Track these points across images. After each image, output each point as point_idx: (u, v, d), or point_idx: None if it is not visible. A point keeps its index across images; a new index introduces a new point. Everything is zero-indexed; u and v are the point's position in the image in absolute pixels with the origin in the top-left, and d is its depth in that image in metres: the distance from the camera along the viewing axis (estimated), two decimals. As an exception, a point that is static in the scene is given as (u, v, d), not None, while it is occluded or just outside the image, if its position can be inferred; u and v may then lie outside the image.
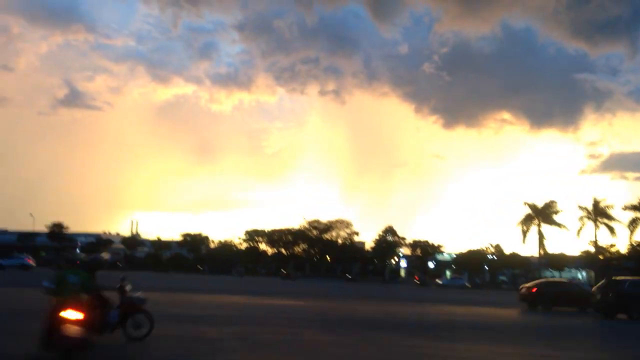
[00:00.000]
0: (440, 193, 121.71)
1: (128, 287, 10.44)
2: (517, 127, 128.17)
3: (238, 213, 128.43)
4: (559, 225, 67.30)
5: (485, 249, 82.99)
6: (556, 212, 67.79)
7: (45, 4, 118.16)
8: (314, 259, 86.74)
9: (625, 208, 67.07)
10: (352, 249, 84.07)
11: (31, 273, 44.85)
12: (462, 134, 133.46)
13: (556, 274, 78.87)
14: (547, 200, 68.40)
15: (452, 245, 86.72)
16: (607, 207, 67.65)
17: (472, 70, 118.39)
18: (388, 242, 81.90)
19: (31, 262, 54.98)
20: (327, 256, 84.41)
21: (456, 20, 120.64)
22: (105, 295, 9.95)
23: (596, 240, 69.28)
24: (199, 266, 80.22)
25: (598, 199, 68.26)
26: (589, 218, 68.13)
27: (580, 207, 68.31)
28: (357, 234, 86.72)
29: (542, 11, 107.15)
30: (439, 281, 67.65)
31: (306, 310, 21.34)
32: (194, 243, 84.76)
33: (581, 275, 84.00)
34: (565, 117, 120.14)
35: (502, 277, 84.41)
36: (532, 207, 68.56)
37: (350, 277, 74.26)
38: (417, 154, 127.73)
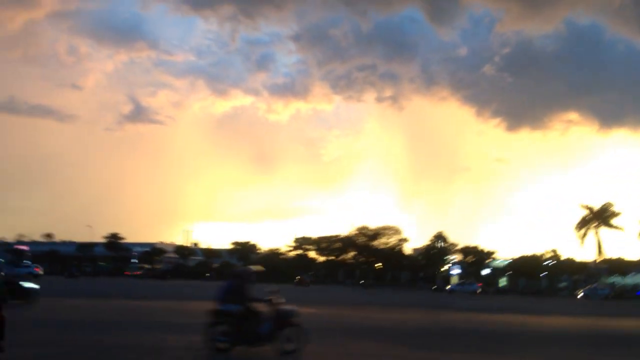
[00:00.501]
0: (501, 198, 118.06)
1: (278, 300, 10.33)
2: (585, 128, 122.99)
3: (294, 221, 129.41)
4: (617, 227, 63.96)
5: (542, 254, 79.73)
6: (614, 215, 64.47)
7: (111, 24, 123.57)
8: (363, 266, 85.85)
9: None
10: (401, 256, 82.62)
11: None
12: (526, 136, 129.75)
13: (618, 279, 74.66)
14: (604, 202, 65.23)
15: (510, 251, 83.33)
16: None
17: (535, 71, 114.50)
18: (438, 249, 79.99)
19: (39, 270, 57.37)
20: (376, 263, 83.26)
21: (518, 19, 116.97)
22: (256, 307, 10.03)
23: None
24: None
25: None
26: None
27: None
28: (406, 240, 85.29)
29: (608, 7, 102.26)
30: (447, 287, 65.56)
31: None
32: (243, 251, 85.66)
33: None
34: (636, 117, 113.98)
35: (563, 283, 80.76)
36: (589, 209, 65.47)
37: (363, 283, 72.93)
38: (478, 159, 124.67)
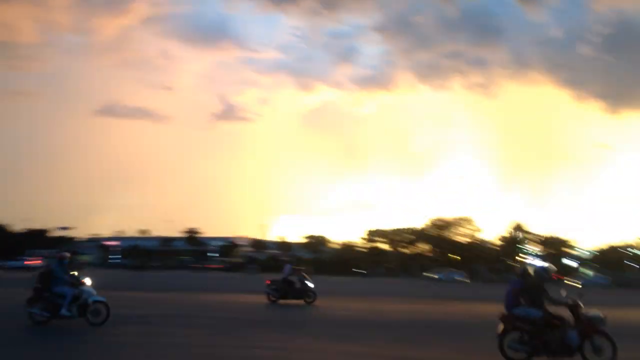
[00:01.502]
0: (601, 185, 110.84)
1: (583, 304, 9.24)
2: None
3: (374, 214, 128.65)
4: None
5: (630, 243, 74.33)
6: None
7: (198, 25, 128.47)
8: (437, 258, 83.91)
9: None
10: (477, 247, 79.90)
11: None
12: (630, 118, 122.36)
13: None
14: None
15: (596, 241, 77.95)
16: None
17: (638, 49, 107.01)
18: (515, 239, 76.66)
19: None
20: (449, 255, 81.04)
21: None
22: (560, 312, 9.15)
23: None
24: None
25: None
26: None
27: None
28: (480, 231, 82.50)
29: None
30: (434, 275, 62.94)
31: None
32: (316, 244, 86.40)
33: None
34: None
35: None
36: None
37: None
38: (578, 145, 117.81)
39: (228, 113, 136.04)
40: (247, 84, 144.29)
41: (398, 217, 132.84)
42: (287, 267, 21.97)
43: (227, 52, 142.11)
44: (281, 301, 21.02)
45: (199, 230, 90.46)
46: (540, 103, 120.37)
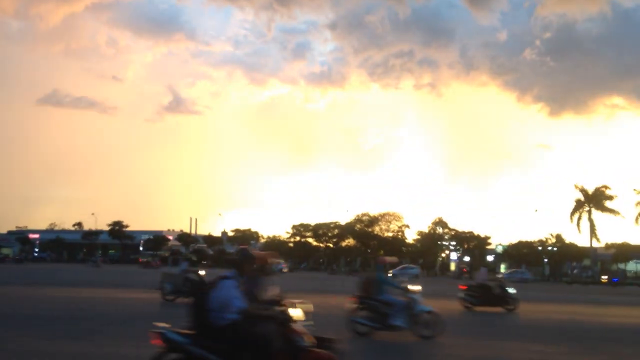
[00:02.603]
0: (537, 184, 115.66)
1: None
2: (631, 112, 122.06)
3: (315, 208, 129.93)
4: (611, 211, 61.39)
5: (544, 239, 77.37)
6: (609, 198, 61.87)
7: (149, 15, 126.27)
8: (364, 253, 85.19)
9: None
10: (399, 242, 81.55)
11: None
12: (569, 121, 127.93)
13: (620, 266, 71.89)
14: (599, 185, 62.72)
15: (513, 237, 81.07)
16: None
17: (578, 54, 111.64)
18: (434, 235, 78.66)
19: None
20: (375, 250, 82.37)
21: (560, 1, 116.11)
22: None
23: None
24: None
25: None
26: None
27: (637, 191, 62.08)
28: (407, 227, 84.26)
29: None
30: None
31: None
32: (243, 238, 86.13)
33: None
34: None
35: (574, 271, 78.28)
36: (583, 192, 63.08)
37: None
38: (520, 145, 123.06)
39: (177, 105, 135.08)
40: (197, 76, 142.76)
41: (333, 212, 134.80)
42: (483, 271, 20.53)
43: (177, 44, 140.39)
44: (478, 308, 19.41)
45: (125, 224, 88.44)
46: (486, 104, 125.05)
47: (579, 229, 63.97)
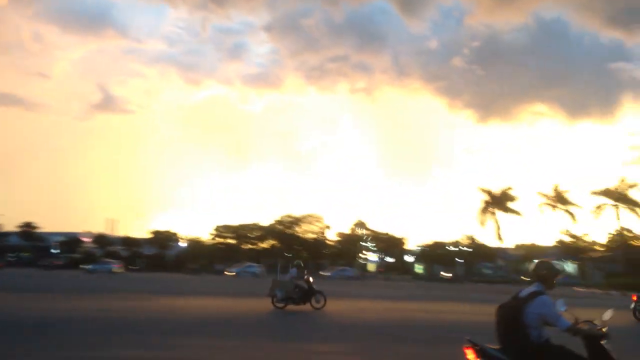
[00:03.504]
0: (462, 187, 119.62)
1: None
2: (553, 120, 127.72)
3: (242, 210, 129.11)
4: (514, 212, 64.27)
5: (459, 240, 79.96)
6: (512, 199, 64.75)
7: (78, 10, 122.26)
8: (286, 255, 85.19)
9: (593, 193, 63.84)
10: (321, 244, 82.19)
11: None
12: (496, 127, 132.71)
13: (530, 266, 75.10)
14: (504, 187, 65.50)
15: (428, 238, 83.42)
16: (564, 192, 64.41)
17: (505, 63, 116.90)
18: (353, 237, 79.81)
19: None
20: (292, 252, 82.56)
21: (487, 12, 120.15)
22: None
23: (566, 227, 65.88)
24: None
25: (558, 185, 65.07)
26: (550, 205, 64.97)
27: (541, 194, 65.24)
28: (328, 228, 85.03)
29: (575, 1, 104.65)
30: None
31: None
32: (162, 240, 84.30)
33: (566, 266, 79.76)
34: (602, 108, 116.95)
35: (487, 270, 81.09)
36: (488, 193, 65.65)
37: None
38: (450, 149, 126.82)
39: (108, 104, 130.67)
40: (130, 74, 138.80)
41: (263, 214, 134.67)
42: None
43: (108, 41, 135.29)
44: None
45: (36, 225, 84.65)
46: (418, 109, 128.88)
47: (485, 229, 66.47)
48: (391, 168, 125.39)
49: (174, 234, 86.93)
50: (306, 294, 18.54)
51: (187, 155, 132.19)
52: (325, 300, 18.68)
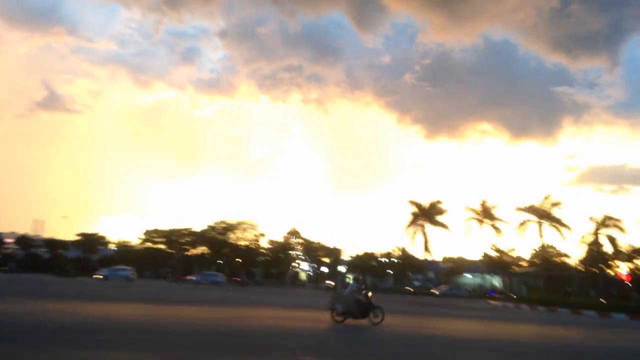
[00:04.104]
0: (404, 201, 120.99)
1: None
2: (497, 138, 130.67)
3: (177, 215, 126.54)
4: (442, 226, 65.09)
5: (391, 252, 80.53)
6: (440, 213, 65.62)
7: (25, 5, 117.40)
8: (218, 261, 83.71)
9: (518, 209, 65.20)
10: (253, 252, 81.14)
11: None
12: (443, 144, 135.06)
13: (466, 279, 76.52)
14: (433, 200, 66.33)
15: (360, 249, 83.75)
16: (492, 207, 65.70)
17: (453, 82, 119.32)
18: (285, 245, 79.21)
19: None
20: (228, 258, 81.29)
21: (439, 31, 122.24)
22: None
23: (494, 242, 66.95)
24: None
25: (486, 200, 66.31)
26: (477, 220, 66.10)
27: (469, 208, 66.29)
28: (262, 235, 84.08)
29: (524, 25, 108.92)
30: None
31: None
32: (89, 243, 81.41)
33: (493, 280, 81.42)
34: (544, 129, 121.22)
35: (416, 282, 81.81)
36: (417, 206, 66.30)
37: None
38: (397, 163, 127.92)
39: (53, 102, 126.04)
40: (77, 73, 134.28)
41: (198, 220, 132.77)
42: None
43: (56, 38, 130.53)
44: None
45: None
46: (369, 123, 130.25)
47: (413, 241, 67.01)
48: (338, 179, 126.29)
49: (102, 238, 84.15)
50: (366, 308, 18.53)
51: (130, 159, 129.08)
52: (383, 316, 18.65)
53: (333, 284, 66.79)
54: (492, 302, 54.57)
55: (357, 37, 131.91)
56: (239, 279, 68.31)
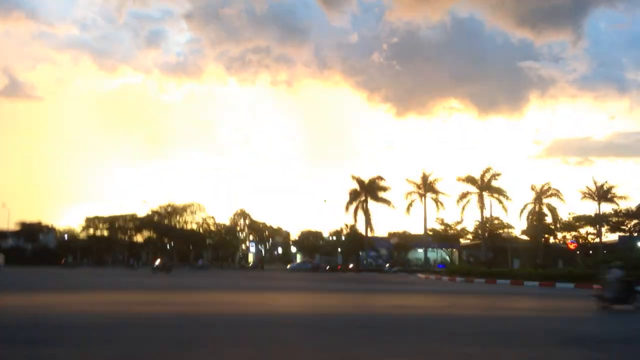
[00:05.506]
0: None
1: None
2: (466, 114, 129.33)
3: (123, 201, 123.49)
4: (384, 201, 64.31)
5: (339, 229, 79.63)
6: (383, 189, 64.76)
7: None
8: (167, 246, 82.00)
9: (459, 179, 64.55)
10: (200, 236, 79.50)
11: None
12: (413, 122, 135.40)
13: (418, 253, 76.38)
14: (374, 175, 65.35)
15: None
16: (435, 180, 65.03)
17: (421, 59, 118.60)
18: (231, 228, 77.88)
19: None
20: (172, 242, 79.62)
21: (406, 9, 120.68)
22: None
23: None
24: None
25: (426, 172, 65.59)
26: (418, 193, 65.42)
27: (409, 181, 65.55)
28: (212, 218, 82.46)
29: (489, 1, 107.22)
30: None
31: None
32: (30, 232, 78.86)
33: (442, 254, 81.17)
34: (511, 104, 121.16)
35: (369, 259, 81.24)
36: (359, 182, 65.32)
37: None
38: (368, 142, 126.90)
39: (14, 90, 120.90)
40: (38, 59, 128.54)
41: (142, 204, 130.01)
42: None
43: (15, 23, 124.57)
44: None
45: None
46: (339, 102, 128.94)
47: (355, 219, 66.11)
48: (308, 159, 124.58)
49: (45, 226, 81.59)
50: (631, 293, 18.70)
51: (93, 145, 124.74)
52: None
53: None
54: (421, 275, 53.92)
55: (324, 16, 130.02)
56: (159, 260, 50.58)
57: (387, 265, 71.55)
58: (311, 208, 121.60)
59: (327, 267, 68.12)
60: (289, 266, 68.25)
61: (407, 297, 23.55)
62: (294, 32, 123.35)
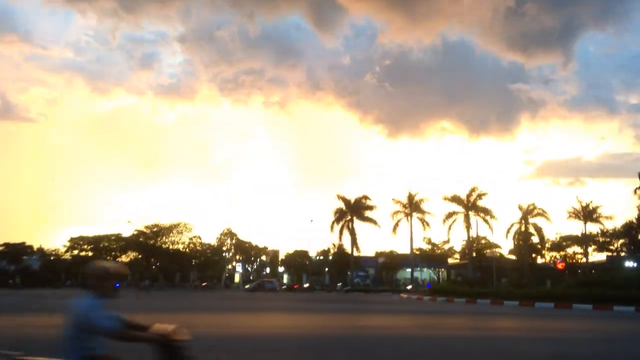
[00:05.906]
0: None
1: None
2: (457, 136, 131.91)
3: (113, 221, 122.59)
4: (371, 221, 64.02)
5: (327, 249, 79.15)
6: (369, 208, 64.49)
7: None
8: (152, 267, 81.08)
9: (445, 199, 64.38)
10: (187, 255, 78.69)
11: None
12: (405, 143, 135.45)
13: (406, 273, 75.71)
14: (359, 195, 65.12)
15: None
16: (421, 200, 64.83)
17: (413, 81, 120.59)
18: (220, 247, 77.17)
19: None
20: (157, 263, 78.71)
21: (398, 32, 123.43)
22: None
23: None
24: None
25: (412, 192, 65.41)
26: (404, 213, 65.15)
27: (395, 201, 65.32)
28: (199, 238, 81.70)
29: (480, 25, 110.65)
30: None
31: None
32: (14, 253, 77.82)
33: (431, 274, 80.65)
34: (501, 126, 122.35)
35: (357, 279, 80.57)
36: (345, 201, 65.02)
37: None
38: (360, 163, 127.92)
39: (6, 112, 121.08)
40: (31, 82, 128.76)
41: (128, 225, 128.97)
42: None
43: (9, 46, 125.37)
44: None
45: None
46: (331, 123, 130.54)
47: (341, 238, 65.73)
48: (301, 180, 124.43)
49: (29, 247, 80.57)
50: None
51: (86, 167, 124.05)
52: None
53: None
54: (404, 295, 53.32)
55: (317, 38, 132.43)
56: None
57: (339, 284, 70.80)
58: (301, 228, 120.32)
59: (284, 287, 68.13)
60: (247, 286, 67.17)
61: (372, 317, 23.16)
62: (287, 54, 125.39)
